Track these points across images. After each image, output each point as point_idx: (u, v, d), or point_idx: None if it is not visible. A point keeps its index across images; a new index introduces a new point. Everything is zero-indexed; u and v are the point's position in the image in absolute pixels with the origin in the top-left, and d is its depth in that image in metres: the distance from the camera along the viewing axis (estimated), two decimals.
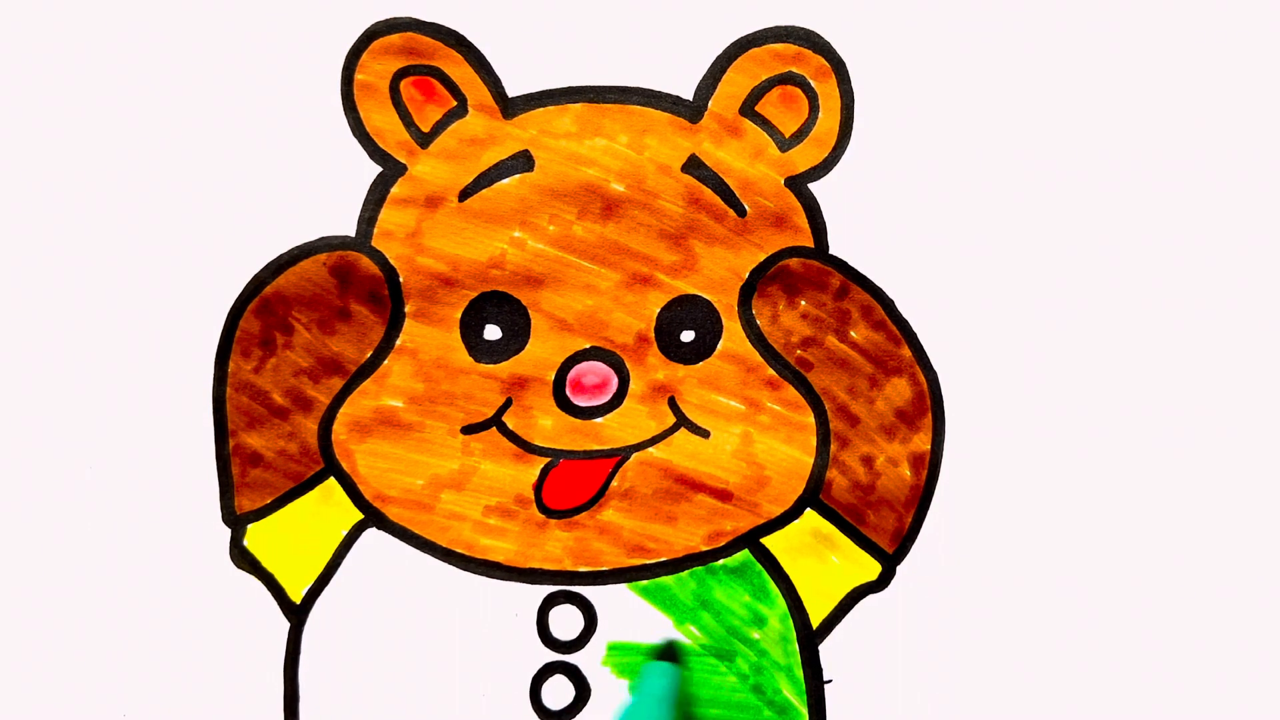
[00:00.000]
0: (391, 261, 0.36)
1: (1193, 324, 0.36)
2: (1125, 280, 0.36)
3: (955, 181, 0.36)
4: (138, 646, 0.36)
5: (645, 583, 0.37)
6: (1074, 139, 0.36)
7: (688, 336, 0.37)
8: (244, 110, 0.36)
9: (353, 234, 0.36)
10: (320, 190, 0.36)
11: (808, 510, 0.37)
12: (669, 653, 0.36)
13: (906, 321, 0.37)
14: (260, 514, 0.37)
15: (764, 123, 0.36)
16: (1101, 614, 0.36)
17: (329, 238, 0.36)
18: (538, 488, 0.37)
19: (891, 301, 0.36)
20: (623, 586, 0.37)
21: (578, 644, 0.37)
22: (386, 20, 0.36)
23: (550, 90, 0.36)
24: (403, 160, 0.36)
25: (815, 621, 0.37)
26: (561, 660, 0.37)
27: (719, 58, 0.36)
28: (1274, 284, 0.37)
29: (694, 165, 0.36)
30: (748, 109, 0.36)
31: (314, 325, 0.36)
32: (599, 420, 0.37)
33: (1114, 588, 0.36)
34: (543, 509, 0.37)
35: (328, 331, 0.36)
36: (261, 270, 0.36)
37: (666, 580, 0.37)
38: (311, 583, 0.37)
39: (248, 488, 0.37)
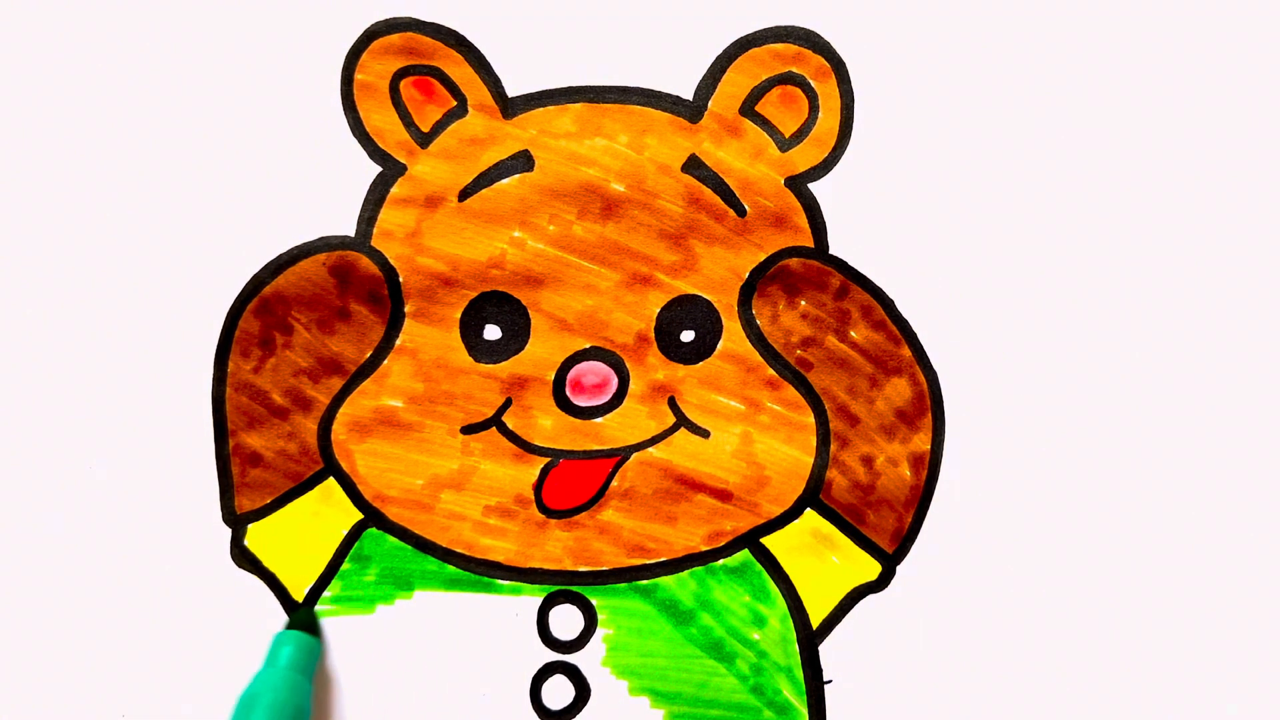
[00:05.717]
0: (391, 261, 0.36)
1: (1192, 324, 0.36)
2: (1125, 280, 0.36)
3: (955, 181, 0.36)
4: (138, 646, 0.36)
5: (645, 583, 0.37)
6: (1074, 139, 0.36)
7: (688, 336, 0.37)
8: (244, 110, 0.36)
9: (352, 234, 0.36)
10: (320, 190, 0.36)
11: (808, 510, 0.37)
12: (301, 621, 0.36)
13: (906, 321, 0.36)
14: (260, 514, 0.37)
15: (764, 123, 0.36)
16: (1101, 613, 0.36)
17: (329, 238, 0.36)
18: (537, 488, 0.37)
19: (891, 301, 0.36)
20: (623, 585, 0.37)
21: (578, 644, 0.37)
22: (386, 20, 0.36)
23: (550, 90, 0.36)
24: (402, 160, 0.36)
25: (815, 622, 0.37)
26: (561, 660, 0.37)
27: (719, 58, 0.36)
28: (1274, 284, 0.37)
29: (694, 165, 0.36)
30: (748, 109, 0.36)
31: (313, 325, 0.36)
32: (599, 420, 0.36)
33: (1114, 587, 0.36)
34: (543, 509, 0.37)
35: (327, 331, 0.36)
36: (261, 270, 0.36)
37: (667, 580, 0.37)
38: (313, 582, 0.37)
39: (247, 488, 0.37)
